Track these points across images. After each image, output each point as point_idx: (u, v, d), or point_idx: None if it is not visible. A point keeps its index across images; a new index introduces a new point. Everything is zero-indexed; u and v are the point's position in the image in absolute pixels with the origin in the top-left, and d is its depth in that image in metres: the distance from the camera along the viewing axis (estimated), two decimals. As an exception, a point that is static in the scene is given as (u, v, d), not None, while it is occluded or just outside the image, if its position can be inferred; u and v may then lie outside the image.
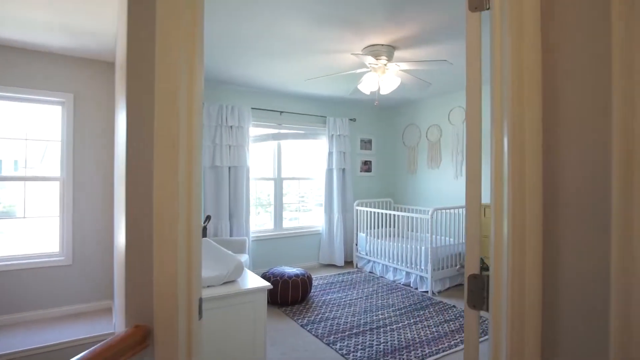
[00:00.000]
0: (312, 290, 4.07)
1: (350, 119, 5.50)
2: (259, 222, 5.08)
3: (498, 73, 0.89)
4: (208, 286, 1.74)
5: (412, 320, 3.32)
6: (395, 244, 4.55)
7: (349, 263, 5.36)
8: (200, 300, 1.08)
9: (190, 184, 1.01)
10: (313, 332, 3.08)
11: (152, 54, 0.95)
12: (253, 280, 1.90)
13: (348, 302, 3.80)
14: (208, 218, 2.78)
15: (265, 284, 1.78)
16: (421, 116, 5.33)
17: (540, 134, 0.85)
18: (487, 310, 0.93)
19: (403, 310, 3.56)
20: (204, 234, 2.57)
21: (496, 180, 0.90)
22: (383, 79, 3.15)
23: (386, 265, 4.69)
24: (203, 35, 1.04)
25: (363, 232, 5.13)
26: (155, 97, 0.94)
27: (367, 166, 5.83)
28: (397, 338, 2.97)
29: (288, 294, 3.61)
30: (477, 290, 0.94)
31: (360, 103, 5.48)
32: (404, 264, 4.40)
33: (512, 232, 0.85)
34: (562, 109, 0.81)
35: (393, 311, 3.55)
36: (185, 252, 0.99)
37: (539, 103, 0.85)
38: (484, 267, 1.72)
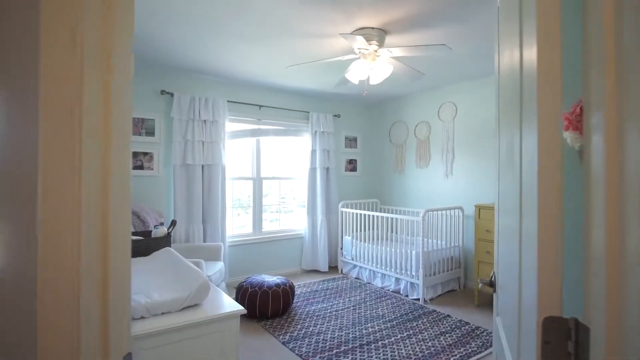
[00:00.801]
0: (294, 300, 3.71)
1: (335, 115, 5.17)
2: (240, 224, 4.68)
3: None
4: (162, 313, 1.36)
5: (405, 334, 3.01)
6: (383, 247, 4.25)
7: (333, 268, 5.03)
8: (129, 357, 0.71)
9: (106, 172, 0.64)
10: (296, 351, 2.73)
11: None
12: (223, 303, 1.53)
13: (334, 313, 3.46)
14: (173, 223, 2.38)
15: (238, 308, 1.41)
16: (409, 112, 5.06)
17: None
18: (572, 372, 0.60)
19: (394, 322, 3.25)
20: (168, 243, 2.17)
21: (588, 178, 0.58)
22: (373, 66, 2.83)
23: (374, 271, 4.38)
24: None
25: (349, 235, 4.81)
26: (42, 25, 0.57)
27: (352, 165, 5.52)
28: (391, 355, 2.65)
29: (268, 307, 3.24)
30: (559, 342, 0.61)
31: (345, 98, 5.16)
32: (393, 270, 4.10)
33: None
34: None
35: (384, 323, 3.23)
36: (97, 283, 0.63)
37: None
38: (492, 282, 1.41)
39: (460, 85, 4.36)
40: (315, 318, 3.33)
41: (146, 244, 2.09)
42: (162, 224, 2.25)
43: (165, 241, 2.17)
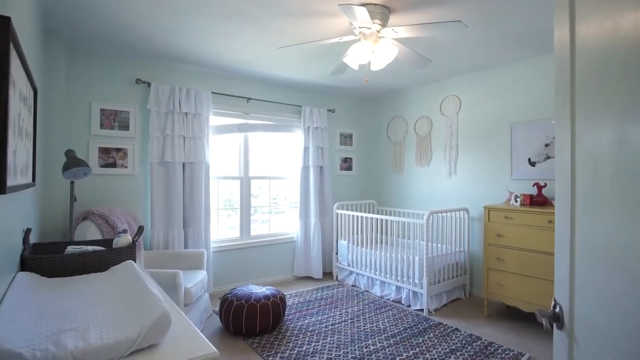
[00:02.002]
0: (286, 312, 3.34)
1: (329, 110, 4.82)
2: (229, 225, 4.30)
3: None
4: (103, 361, 0.98)
5: (411, 352, 2.66)
6: (382, 252, 3.91)
7: (328, 275, 4.67)
8: None
9: None
10: (288, 376, 2.36)
11: None
12: (192, 341, 1.15)
13: (330, 327, 3.10)
14: (140, 231, 1.99)
15: (210, 351, 1.04)
16: (408, 107, 4.74)
17: None
18: None
19: (398, 338, 2.91)
20: (132, 254, 1.79)
21: None
22: (375, 49, 2.49)
23: (372, 278, 4.03)
24: None
25: (344, 239, 4.46)
26: None
27: (347, 164, 5.17)
28: (397, 380, 2.30)
29: (255, 322, 2.87)
30: None
31: (339, 91, 4.81)
32: (393, 277, 3.76)
33: None
34: None
35: (386, 339, 2.88)
36: None
37: None
38: (555, 317, 1.05)
39: (465, 77, 4.04)
40: (309, 334, 2.97)
41: (103, 257, 1.71)
42: (125, 231, 1.87)
43: (128, 253, 1.79)
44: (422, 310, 3.46)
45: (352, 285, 4.27)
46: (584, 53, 0.85)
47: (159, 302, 1.10)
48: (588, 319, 0.82)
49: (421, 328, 3.09)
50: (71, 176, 2.32)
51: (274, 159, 4.60)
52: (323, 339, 2.87)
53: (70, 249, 1.79)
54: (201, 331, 2.89)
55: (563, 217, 0.94)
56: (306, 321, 3.23)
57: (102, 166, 3.34)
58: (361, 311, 3.48)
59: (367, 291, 4.06)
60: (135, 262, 1.76)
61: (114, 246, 1.86)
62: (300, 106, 4.56)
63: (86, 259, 1.65)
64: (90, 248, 1.77)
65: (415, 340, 2.86)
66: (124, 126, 3.44)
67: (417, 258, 3.51)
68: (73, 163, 2.28)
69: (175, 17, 2.57)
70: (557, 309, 0.95)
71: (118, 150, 3.42)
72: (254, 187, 4.42)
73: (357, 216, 4.34)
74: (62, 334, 1.00)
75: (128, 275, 1.45)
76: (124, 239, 1.84)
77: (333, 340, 2.87)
